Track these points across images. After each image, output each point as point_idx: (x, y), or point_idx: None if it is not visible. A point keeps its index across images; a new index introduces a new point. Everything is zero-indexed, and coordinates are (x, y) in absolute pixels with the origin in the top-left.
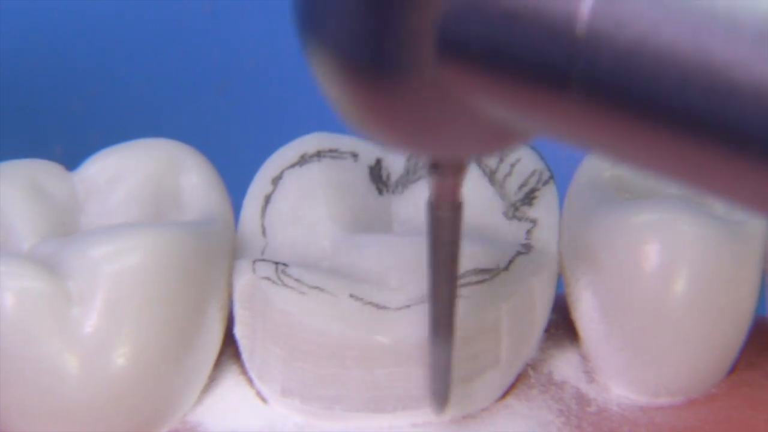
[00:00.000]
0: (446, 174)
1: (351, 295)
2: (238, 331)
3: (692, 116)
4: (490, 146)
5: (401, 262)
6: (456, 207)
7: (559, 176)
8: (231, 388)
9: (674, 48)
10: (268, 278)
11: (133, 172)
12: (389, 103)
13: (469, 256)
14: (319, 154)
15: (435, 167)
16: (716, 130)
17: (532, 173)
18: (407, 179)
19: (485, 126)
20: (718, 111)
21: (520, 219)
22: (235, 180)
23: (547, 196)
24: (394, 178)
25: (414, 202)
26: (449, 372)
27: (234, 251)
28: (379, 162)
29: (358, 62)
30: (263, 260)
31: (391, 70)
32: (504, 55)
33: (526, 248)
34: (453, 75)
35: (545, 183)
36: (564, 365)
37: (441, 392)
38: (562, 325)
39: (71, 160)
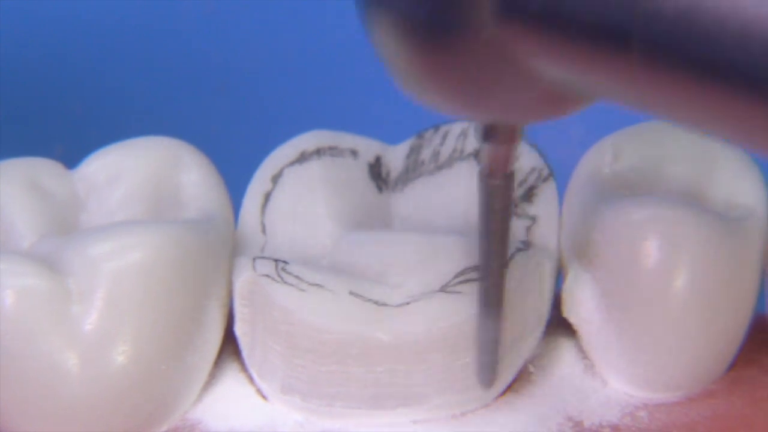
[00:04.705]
0: (499, 141)
1: (351, 293)
2: (238, 329)
3: (753, 71)
4: (546, 111)
5: (401, 259)
6: (508, 176)
7: (558, 173)
8: (231, 385)
9: (735, 3)
10: (268, 275)
11: (133, 170)
12: (446, 63)
13: (469, 253)
14: (318, 152)
15: (488, 134)
16: None
17: (532, 170)
18: (407, 177)
19: (542, 89)
20: None
21: (519, 216)
22: (234, 178)
23: (547, 194)
24: (393, 175)
25: (413, 200)
26: (498, 345)
27: (234, 249)
28: (378, 159)
29: (416, 21)
30: (263, 257)
31: (449, 30)
32: (564, 13)
33: (526, 245)
34: (511, 35)
35: (545, 180)
36: (563, 361)
37: (489, 366)
38: (561, 322)
39: (71, 160)
